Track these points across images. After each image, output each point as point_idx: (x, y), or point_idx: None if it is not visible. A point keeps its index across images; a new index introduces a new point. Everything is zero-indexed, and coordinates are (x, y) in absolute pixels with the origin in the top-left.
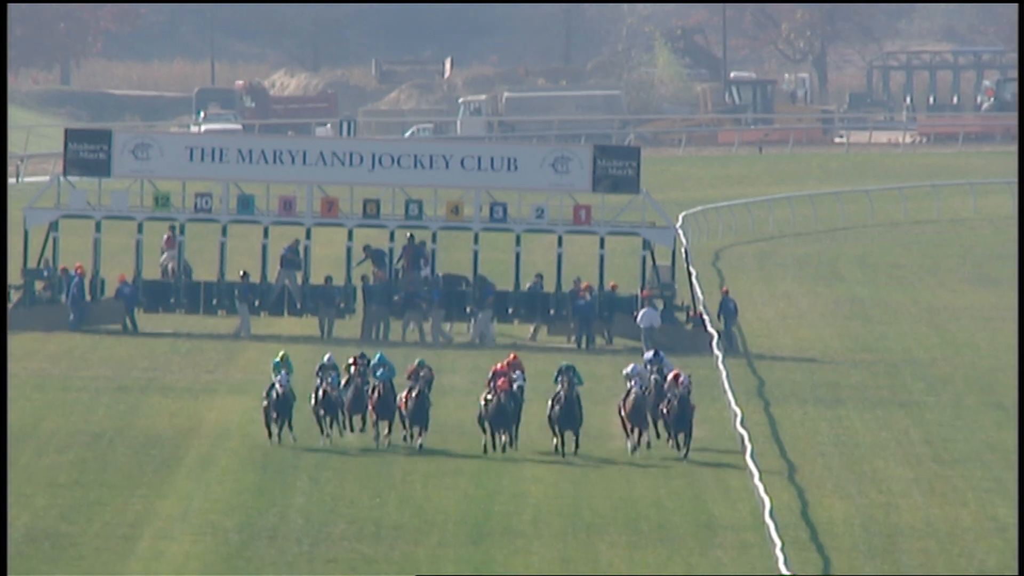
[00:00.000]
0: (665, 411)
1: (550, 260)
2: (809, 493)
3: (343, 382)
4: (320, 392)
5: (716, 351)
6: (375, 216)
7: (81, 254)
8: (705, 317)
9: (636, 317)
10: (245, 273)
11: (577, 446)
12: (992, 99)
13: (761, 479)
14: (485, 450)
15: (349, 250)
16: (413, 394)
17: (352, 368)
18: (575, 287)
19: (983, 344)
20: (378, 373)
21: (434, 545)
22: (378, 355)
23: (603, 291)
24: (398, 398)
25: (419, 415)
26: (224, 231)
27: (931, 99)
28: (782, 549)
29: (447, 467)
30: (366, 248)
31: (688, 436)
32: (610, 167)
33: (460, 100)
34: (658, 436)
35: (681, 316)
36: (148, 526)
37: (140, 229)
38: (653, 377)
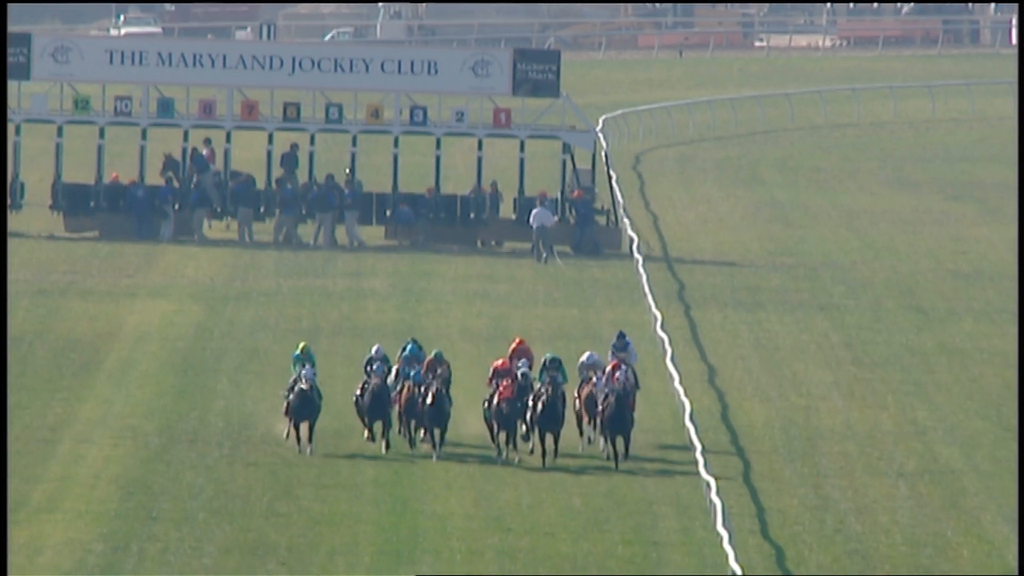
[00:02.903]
0: (600, 410)
1: (470, 164)
2: (729, 396)
3: (392, 375)
4: (368, 389)
5: (636, 255)
6: (295, 120)
7: None
8: (626, 222)
9: (529, 217)
10: (169, 176)
11: (555, 450)
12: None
13: (681, 383)
14: (499, 453)
15: (269, 153)
16: (431, 393)
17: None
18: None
19: (903, 247)
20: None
21: (354, 448)
22: (409, 344)
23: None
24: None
25: (438, 417)
26: (144, 135)
27: (851, 3)
28: (702, 452)
29: None
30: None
31: (626, 441)
32: (530, 71)
33: (380, 4)
34: (589, 441)
35: (601, 219)
36: (68, 430)
37: (60, 132)
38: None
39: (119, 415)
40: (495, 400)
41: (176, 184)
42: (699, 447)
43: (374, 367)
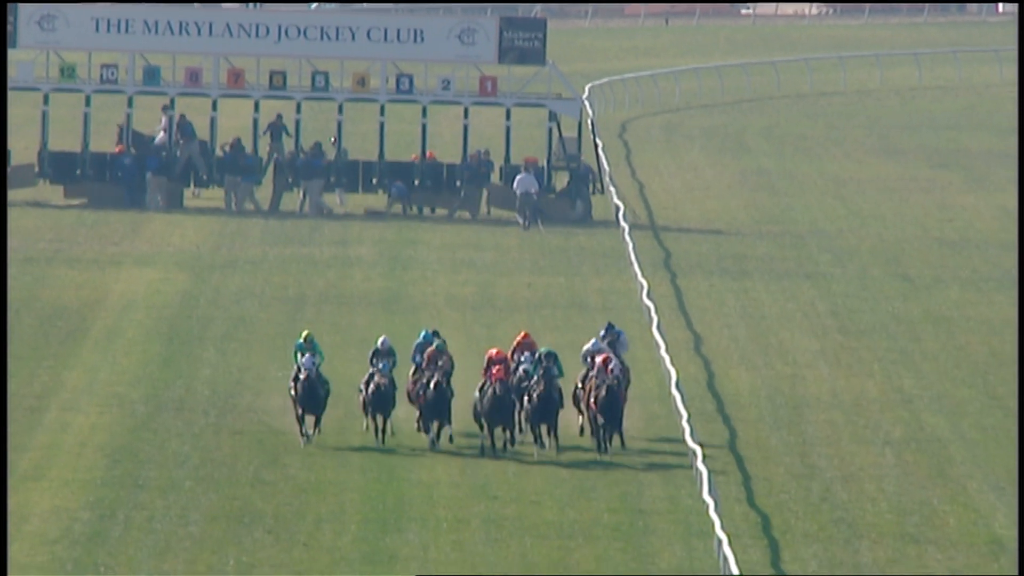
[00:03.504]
0: (592, 400)
1: (456, 132)
2: (715, 365)
3: (411, 373)
4: (372, 384)
5: (622, 223)
6: (281, 88)
7: None
8: (612, 189)
9: (513, 183)
10: (157, 145)
11: (556, 443)
12: None
13: (667, 351)
14: (483, 451)
15: (255, 122)
16: (432, 384)
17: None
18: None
19: (889, 215)
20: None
21: (340, 417)
22: (423, 333)
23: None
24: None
25: (440, 409)
26: (130, 102)
27: None
28: (688, 421)
29: (353, 338)
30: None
31: (619, 434)
32: (516, 39)
33: None
34: (580, 433)
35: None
36: (54, 397)
37: (46, 100)
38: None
39: (105, 383)
40: (487, 391)
41: (133, 151)
42: (685, 415)
43: (381, 364)
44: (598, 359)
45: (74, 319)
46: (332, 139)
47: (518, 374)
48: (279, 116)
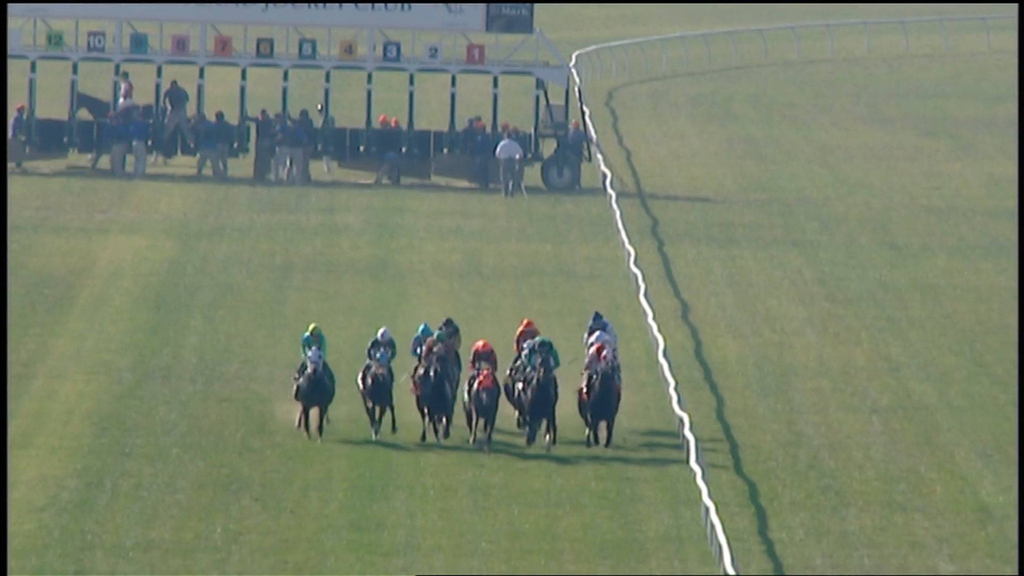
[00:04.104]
0: (584, 392)
1: (443, 100)
2: (703, 332)
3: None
4: (369, 376)
5: (609, 190)
6: (269, 56)
7: None
8: (599, 156)
9: (496, 150)
10: (144, 111)
11: (554, 438)
12: None
13: (655, 318)
14: (475, 441)
15: (243, 89)
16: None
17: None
18: (471, 127)
19: (876, 183)
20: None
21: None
22: (421, 327)
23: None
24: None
25: (441, 403)
26: (117, 70)
27: None
28: (676, 388)
29: (340, 305)
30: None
31: (610, 427)
32: (503, 6)
33: None
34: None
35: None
36: (41, 365)
37: (33, 68)
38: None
39: (92, 351)
40: (475, 387)
41: (92, 118)
42: (672, 383)
43: (379, 354)
44: (591, 350)
45: (61, 287)
46: (319, 107)
47: (518, 363)
48: (174, 83)
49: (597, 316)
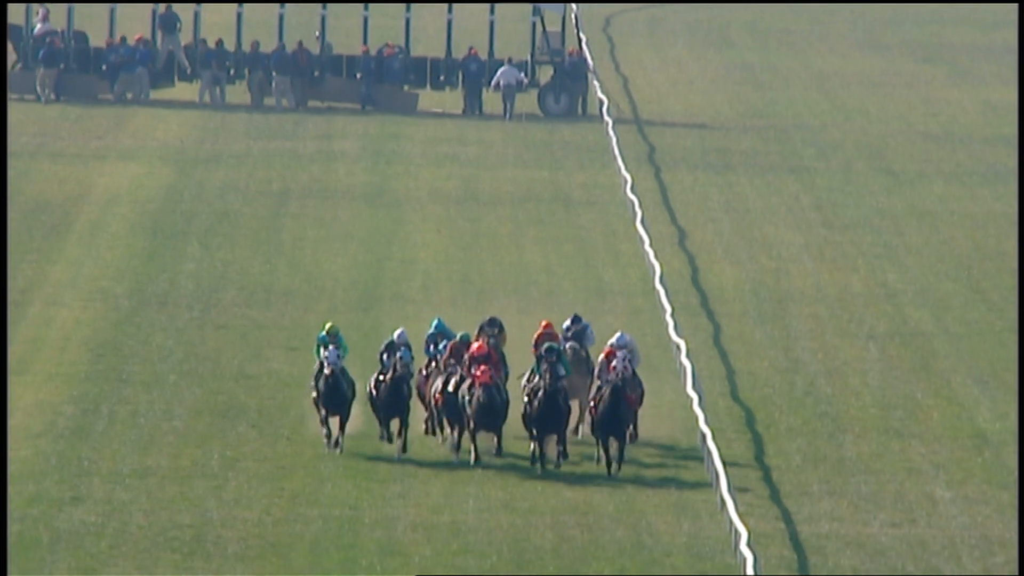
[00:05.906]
0: (592, 406)
1: (440, 27)
2: (699, 259)
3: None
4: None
5: (606, 117)
6: None
7: None
8: (595, 85)
9: (494, 76)
10: (146, 40)
11: (564, 452)
12: None
13: (651, 245)
14: (460, 449)
15: (239, 16)
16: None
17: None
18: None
19: (873, 109)
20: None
21: (324, 311)
22: (435, 322)
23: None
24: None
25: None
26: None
27: None
28: (672, 315)
29: (336, 232)
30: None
31: (621, 445)
32: None
33: None
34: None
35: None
36: (38, 292)
37: None
38: (570, 346)
39: (89, 277)
40: (473, 390)
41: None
42: (669, 309)
43: (399, 353)
44: (601, 355)
45: (58, 213)
46: (316, 34)
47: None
48: (168, 7)
49: (576, 318)
